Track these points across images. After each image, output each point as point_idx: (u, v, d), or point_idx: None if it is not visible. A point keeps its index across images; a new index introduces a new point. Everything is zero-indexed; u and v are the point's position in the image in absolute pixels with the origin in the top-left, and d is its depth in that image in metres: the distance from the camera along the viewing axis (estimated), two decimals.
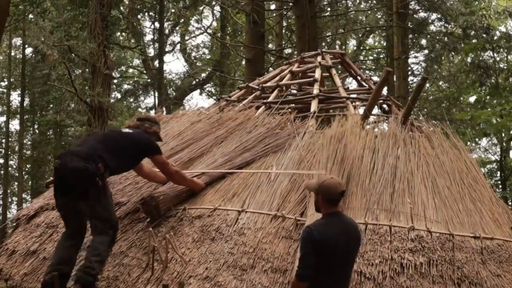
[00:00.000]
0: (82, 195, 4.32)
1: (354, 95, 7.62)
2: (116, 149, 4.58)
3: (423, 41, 19.57)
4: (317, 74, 7.47)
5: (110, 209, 4.47)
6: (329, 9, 19.15)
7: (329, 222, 3.68)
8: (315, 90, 7.07)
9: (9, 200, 24.91)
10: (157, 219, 4.91)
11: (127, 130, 4.89)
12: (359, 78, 8.30)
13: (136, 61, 26.45)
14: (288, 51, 18.94)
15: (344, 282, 3.73)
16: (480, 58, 15.52)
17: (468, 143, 13.86)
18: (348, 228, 3.73)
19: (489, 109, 12.53)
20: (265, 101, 7.04)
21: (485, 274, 4.33)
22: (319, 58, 7.89)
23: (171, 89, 24.47)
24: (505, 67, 15.76)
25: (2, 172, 22.67)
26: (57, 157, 4.69)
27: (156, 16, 21.27)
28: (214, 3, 21.39)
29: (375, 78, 10.57)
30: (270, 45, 20.23)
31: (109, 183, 4.69)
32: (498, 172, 17.94)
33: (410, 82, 17.30)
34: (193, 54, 25.24)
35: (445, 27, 17.71)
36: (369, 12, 18.78)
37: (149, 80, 23.62)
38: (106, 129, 5.01)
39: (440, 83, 21.27)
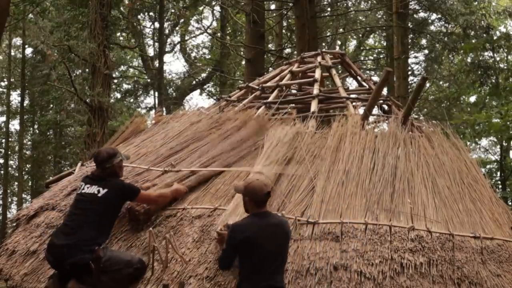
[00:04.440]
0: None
1: (354, 95, 7.61)
2: (100, 219, 4.46)
3: (423, 41, 19.59)
4: (317, 74, 7.47)
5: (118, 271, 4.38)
6: (329, 9, 19.15)
7: (253, 222, 3.98)
8: (315, 90, 7.07)
9: (9, 200, 24.95)
10: (141, 226, 4.91)
11: (97, 189, 4.52)
12: (359, 78, 8.29)
13: (136, 61, 26.47)
14: (288, 51, 18.96)
15: (273, 274, 3.91)
16: (480, 58, 15.52)
17: (468, 143, 13.86)
18: (272, 226, 3.99)
19: (486, 112, 12.55)
20: (265, 101, 7.04)
21: (485, 274, 4.33)
22: (319, 58, 7.89)
23: (171, 89, 24.48)
24: (505, 67, 15.76)
25: (2, 172, 22.68)
26: (48, 248, 4.47)
27: (156, 16, 21.27)
28: (214, 3, 21.41)
29: (375, 78, 10.57)
30: (270, 45, 20.23)
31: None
32: (498, 172, 17.95)
33: (410, 82, 17.32)
34: (193, 54, 25.28)
35: (445, 27, 17.74)
36: (369, 12, 18.79)
37: (149, 80, 23.63)
38: (77, 196, 4.66)
39: (440, 83, 21.29)
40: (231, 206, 4.70)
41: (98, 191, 4.50)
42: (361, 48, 23.21)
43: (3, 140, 23.77)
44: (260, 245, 3.90)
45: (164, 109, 19.00)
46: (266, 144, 5.64)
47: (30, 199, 23.02)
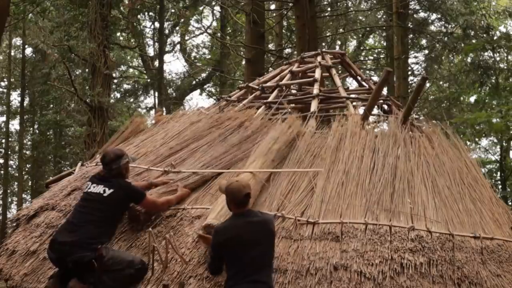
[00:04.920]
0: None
1: (354, 95, 7.61)
2: (105, 219, 4.50)
3: (423, 41, 19.58)
4: (317, 74, 7.47)
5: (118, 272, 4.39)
6: (329, 9, 19.14)
7: (234, 223, 4.07)
8: (315, 90, 7.07)
9: (9, 200, 24.92)
10: (141, 226, 4.93)
11: (102, 189, 4.58)
12: (359, 78, 8.29)
13: (136, 61, 26.46)
14: (288, 51, 18.94)
15: (259, 271, 3.95)
16: (480, 58, 15.52)
17: (468, 143, 13.85)
18: (254, 225, 4.04)
19: (486, 111, 12.54)
20: (265, 101, 7.04)
21: (485, 274, 4.33)
22: (319, 58, 7.89)
23: (171, 89, 24.46)
24: (505, 67, 15.76)
25: (2, 172, 22.67)
26: (50, 244, 4.52)
27: (156, 16, 21.26)
28: (214, 3, 21.38)
29: (375, 78, 10.57)
30: (270, 45, 20.22)
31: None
32: (498, 172, 17.94)
33: (410, 82, 17.30)
34: (193, 54, 25.27)
35: (445, 27, 17.72)
36: (369, 12, 18.77)
37: (149, 80, 23.62)
38: (83, 195, 4.67)
39: (440, 83, 21.27)
40: (212, 207, 4.75)
41: (104, 191, 4.56)
42: (361, 48, 23.19)
43: (3, 140, 23.76)
44: (243, 244, 3.97)
45: (164, 109, 19.00)
46: (260, 142, 5.65)
47: (30, 199, 23.02)
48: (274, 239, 4.17)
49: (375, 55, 23.40)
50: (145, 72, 24.65)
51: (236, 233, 4.00)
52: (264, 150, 5.39)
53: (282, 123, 5.95)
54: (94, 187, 4.61)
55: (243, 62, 17.92)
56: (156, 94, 22.25)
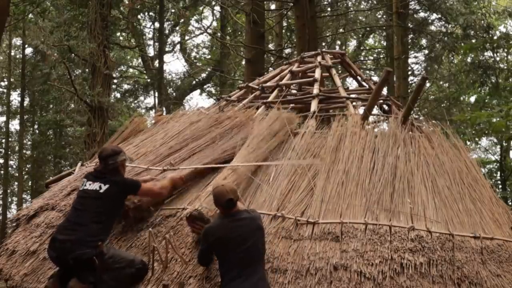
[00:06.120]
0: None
1: (354, 95, 7.61)
2: (103, 215, 4.49)
3: (423, 41, 19.59)
4: (317, 74, 7.46)
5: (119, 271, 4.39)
6: (329, 9, 19.14)
7: (223, 223, 4.20)
8: (315, 90, 7.06)
9: (9, 200, 24.92)
10: (133, 223, 4.94)
11: (98, 185, 4.56)
12: (359, 78, 8.29)
13: (136, 61, 26.46)
14: (288, 51, 18.94)
15: (250, 267, 4.03)
16: (480, 58, 15.53)
17: (468, 143, 13.86)
18: (242, 224, 4.16)
19: (488, 110, 12.54)
20: (265, 101, 7.04)
21: (485, 274, 4.33)
22: (319, 58, 7.88)
23: (171, 89, 24.47)
24: (505, 67, 15.77)
25: (2, 172, 22.67)
26: (50, 243, 4.50)
27: (156, 16, 21.27)
28: (214, 3, 21.40)
29: (375, 78, 10.56)
30: (270, 45, 20.22)
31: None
32: (498, 172, 17.95)
33: (410, 82, 17.31)
34: (193, 54, 25.28)
35: (445, 27, 17.74)
36: (369, 12, 18.78)
37: (149, 80, 23.62)
38: (80, 193, 4.69)
39: (440, 83, 21.28)
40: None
41: (100, 187, 4.55)
42: (361, 48, 23.19)
43: (3, 140, 23.76)
44: (231, 243, 4.06)
45: (164, 109, 19.01)
46: (250, 136, 5.66)
47: (30, 199, 23.02)
48: (263, 233, 4.26)
49: (375, 55, 23.41)
50: (145, 72, 24.64)
51: (224, 233, 4.11)
52: (250, 143, 5.43)
53: (267, 117, 5.98)
54: (90, 184, 4.59)
55: (243, 62, 17.92)
56: (156, 94, 22.27)
